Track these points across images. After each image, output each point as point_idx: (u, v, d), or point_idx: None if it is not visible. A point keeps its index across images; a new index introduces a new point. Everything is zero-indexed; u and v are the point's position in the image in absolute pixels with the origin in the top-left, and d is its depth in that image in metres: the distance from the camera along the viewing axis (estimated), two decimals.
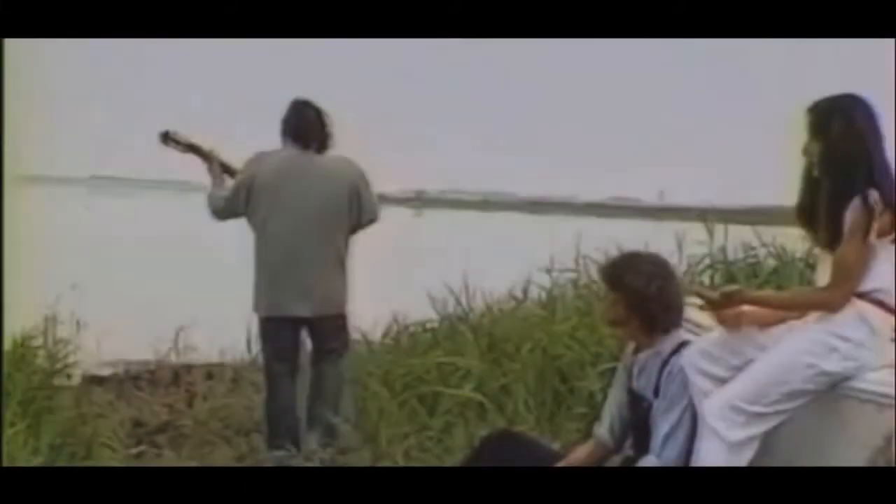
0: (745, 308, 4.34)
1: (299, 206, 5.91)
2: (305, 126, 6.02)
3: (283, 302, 6.01)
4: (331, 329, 6.18)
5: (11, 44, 4.71)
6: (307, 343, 6.33)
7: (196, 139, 6.30)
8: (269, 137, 6.15)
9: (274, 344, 6.12)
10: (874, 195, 4.09)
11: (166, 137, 6.26)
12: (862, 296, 4.14)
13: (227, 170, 6.24)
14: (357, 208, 6.05)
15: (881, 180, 4.14)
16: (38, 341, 6.76)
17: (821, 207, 4.23)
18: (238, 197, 5.98)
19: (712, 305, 4.42)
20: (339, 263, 6.09)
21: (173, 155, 6.28)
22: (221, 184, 6.17)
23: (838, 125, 4.22)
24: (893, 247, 4.14)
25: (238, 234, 6.43)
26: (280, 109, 6.12)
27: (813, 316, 4.22)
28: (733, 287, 4.65)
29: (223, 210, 6.07)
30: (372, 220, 6.18)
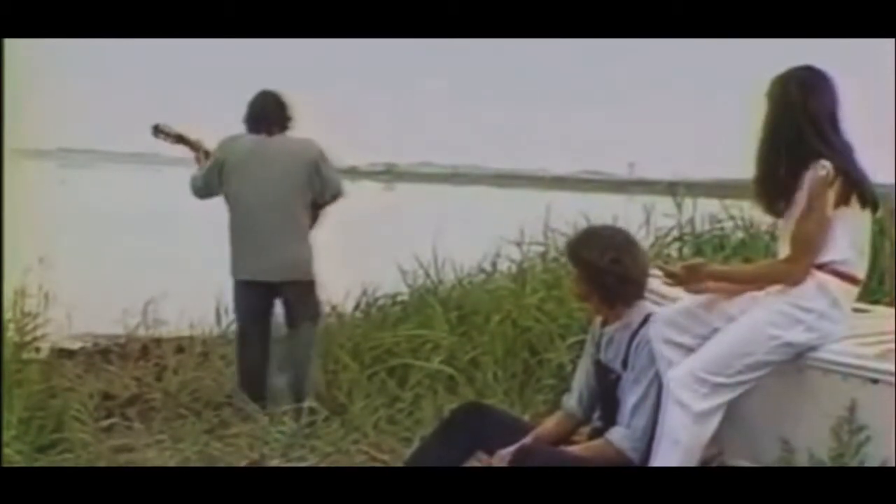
0: (708, 284, 4.39)
1: (262, 182, 6.39)
2: (264, 112, 6.53)
3: (251, 267, 6.44)
4: (299, 295, 6.51)
5: None
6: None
7: (183, 129, 6.77)
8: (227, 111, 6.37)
9: (243, 305, 6.57)
10: (827, 166, 4.13)
11: (157, 130, 6.72)
12: (822, 267, 4.18)
13: (205, 152, 6.71)
14: (319, 184, 6.46)
15: (835, 151, 4.18)
16: (7, 314, 6.71)
17: (777, 178, 4.26)
18: (212, 177, 6.50)
19: (675, 280, 4.46)
20: (301, 233, 6.49)
21: (142, 128, 6.45)
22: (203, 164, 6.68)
23: (787, 98, 4.25)
24: (850, 217, 4.19)
25: (206, 209, 6.54)
26: (238, 87, 6.38)
27: (775, 287, 4.26)
28: (696, 261, 4.69)
29: (201, 189, 6.59)
30: (337, 195, 6.57)
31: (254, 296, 6.49)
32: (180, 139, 6.74)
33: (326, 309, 7.76)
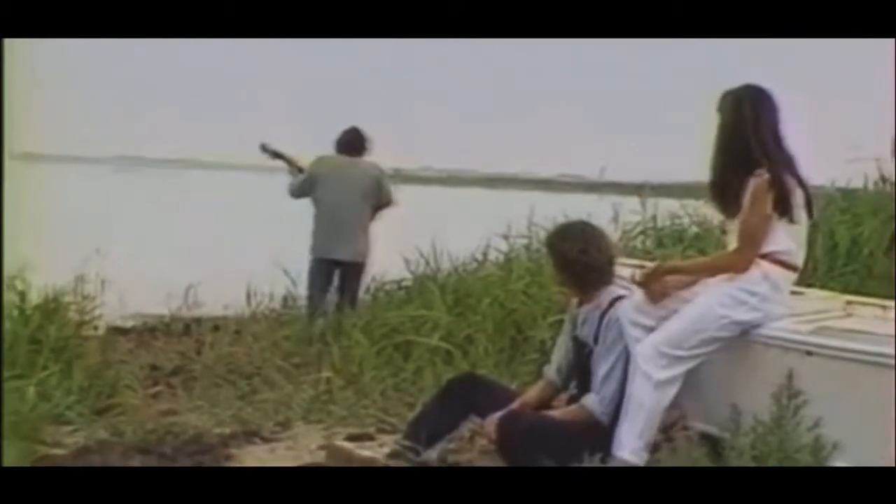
0: (668, 279, 4.39)
1: (341, 189, 7.62)
2: (351, 142, 7.80)
3: (328, 248, 7.59)
4: (355, 273, 7.65)
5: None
6: None
7: (282, 149, 8.02)
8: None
9: (316, 276, 7.66)
10: (765, 175, 4.18)
11: (263, 148, 7.97)
12: (764, 256, 4.23)
13: (298, 167, 7.90)
14: (379, 193, 7.72)
15: (774, 162, 4.22)
16: (69, 297, 6.77)
17: (728, 184, 4.29)
18: (307, 183, 7.73)
19: (642, 282, 4.46)
20: (365, 228, 7.71)
21: (174, 136, 6.65)
22: (295, 175, 7.86)
23: (741, 116, 4.28)
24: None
25: (236, 208, 6.58)
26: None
27: (726, 274, 4.29)
28: (654, 264, 4.72)
29: (296, 192, 7.78)
30: (389, 203, 7.82)
31: (324, 269, 7.58)
32: (277, 155, 7.97)
33: None
